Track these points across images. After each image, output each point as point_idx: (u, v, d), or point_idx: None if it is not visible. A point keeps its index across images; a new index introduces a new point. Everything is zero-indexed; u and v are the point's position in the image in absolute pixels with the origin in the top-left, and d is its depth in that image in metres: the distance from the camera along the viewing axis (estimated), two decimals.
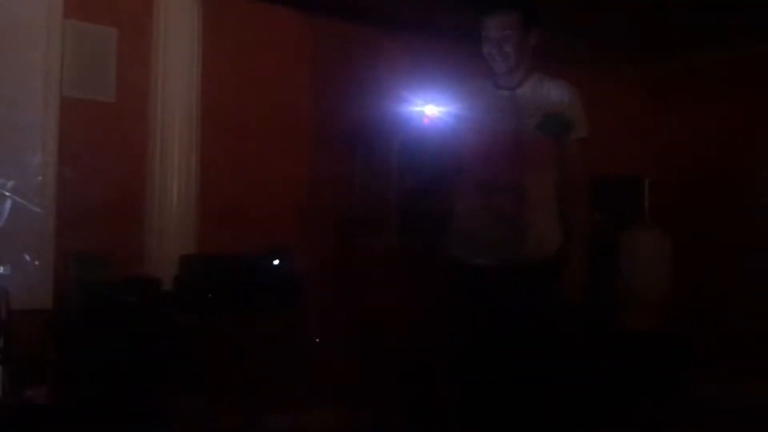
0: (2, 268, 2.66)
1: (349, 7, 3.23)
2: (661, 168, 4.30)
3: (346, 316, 3.05)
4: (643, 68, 4.35)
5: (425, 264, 2.45)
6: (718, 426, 3.06)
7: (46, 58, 2.76)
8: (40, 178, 2.74)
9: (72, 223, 2.74)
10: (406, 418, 2.76)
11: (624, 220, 3.92)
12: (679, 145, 4.26)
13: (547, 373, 2.20)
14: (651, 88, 4.42)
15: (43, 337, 2.52)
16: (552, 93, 2.35)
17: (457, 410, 2.27)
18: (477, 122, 2.27)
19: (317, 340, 2.82)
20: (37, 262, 2.73)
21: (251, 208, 3.10)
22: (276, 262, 2.63)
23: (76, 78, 2.82)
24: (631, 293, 3.57)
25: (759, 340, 3.73)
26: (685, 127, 4.24)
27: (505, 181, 2.21)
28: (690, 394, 3.47)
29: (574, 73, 4.11)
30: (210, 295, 2.56)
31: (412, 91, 2.84)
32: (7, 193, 2.70)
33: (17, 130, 2.75)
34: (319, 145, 3.28)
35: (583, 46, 4.01)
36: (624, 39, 3.89)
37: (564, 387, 2.36)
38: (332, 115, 3.24)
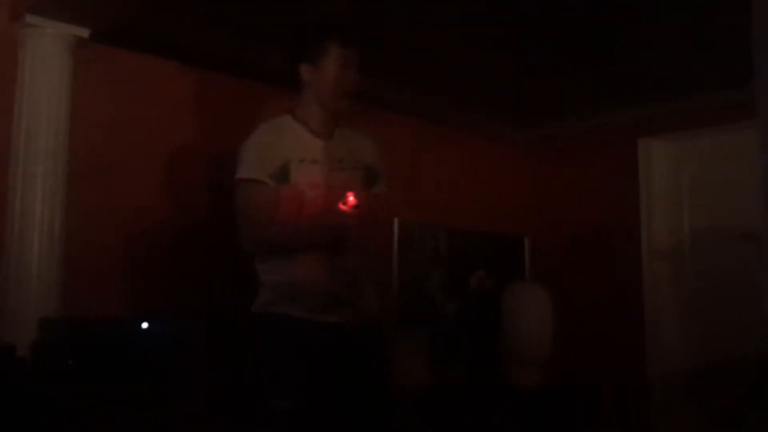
0: None
1: (229, 61, 3.19)
2: (539, 227, 4.44)
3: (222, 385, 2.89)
4: (526, 133, 4.53)
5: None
6: None
7: None
8: None
9: None
10: None
11: (506, 276, 3.99)
12: (557, 205, 4.42)
13: None
14: (532, 152, 4.60)
15: None
16: (362, 143, 2.39)
17: None
18: (312, 177, 2.23)
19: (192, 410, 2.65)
20: None
21: (123, 266, 2.93)
22: (146, 326, 2.47)
23: None
24: (514, 349, 3.60)
25: (635, 393, 3.86)
26: (564, 188, 4.42)
27: (339, 223, 2.16)
28: None
29: (459, 136, 4.29)
30: (71, 362, 2.37)
31: None
32: None
33: None
34: (201, 199, 3.15)
35: (469, 111, 4.14)
36: (507, 104, 4.05)
37: None
38: (215, 167, 3.14)
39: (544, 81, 3.66)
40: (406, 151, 3.87)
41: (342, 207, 2.09)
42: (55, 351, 2.43)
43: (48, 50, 2.76)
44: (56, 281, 2.67)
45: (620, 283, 4.05)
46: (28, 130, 2.71)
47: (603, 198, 4.22)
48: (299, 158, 2.23)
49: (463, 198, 4.19)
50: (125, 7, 2.73)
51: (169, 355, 2.49)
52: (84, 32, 2.81)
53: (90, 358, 2.40)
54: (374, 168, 2.38)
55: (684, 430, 3.44)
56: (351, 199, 2.08)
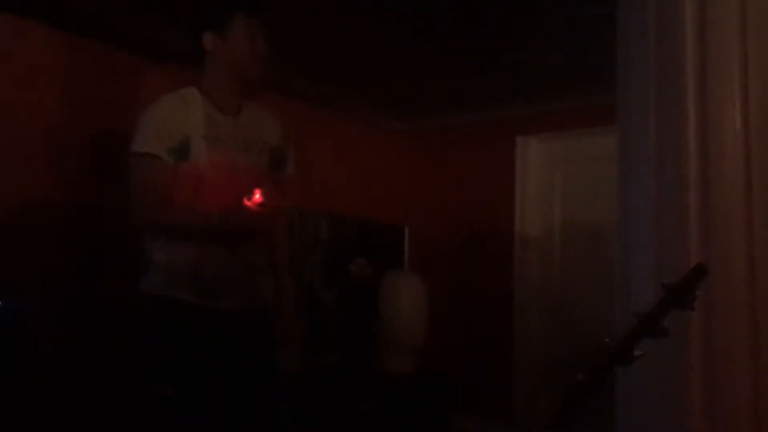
0: None
1: (103, 28, 3.02)
2: (419, 218, 4.54)
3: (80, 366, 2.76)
4: (410, 124, 4.59)
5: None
6: None
7: None
8: None
9: None
10: None
11: (385, 265, 4.05)
12: (436, 197, 4.53)
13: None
14: (415, 143, 4.68)
15: None
16: (270, 123, 2.28)
17: None
18: (214, 156, 2.09)
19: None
20: None
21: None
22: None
23: None
24: (388, 337, 3.67)
25: (501, 380, 4.03)
26: (444, 180, 4.53)
27: (242, 221, 2.05)
28: None
29: (344, 123, 4.29)
30: None
31: None
32: None
33: None
34: (62, 169, 2.98)
35: (353, 99, 4.14)
36: (394, 95, 4.09)
37: None
38: (81, 137, 2.97)
39: (430, 74, 3.73)
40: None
41: (247, 203, 1.96)
42: None
43: None
44: None
45: (493, 274, 4.20)
46: None
47: (481, 191, 4.36)
48: (201, 134, 2.08)
49: (346, 185, 4.21)
50: None
51: (26, 332, 2.35)
52: None
53: None
54: (282, 150, 2.28)
55: (538, 416, 3.61)
56: (257, 196, 1.95)
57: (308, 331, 3.69)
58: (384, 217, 4.39)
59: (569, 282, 4.06)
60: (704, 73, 1.68)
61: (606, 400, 1.44)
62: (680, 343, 1.59)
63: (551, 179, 4.26)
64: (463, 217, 4.39)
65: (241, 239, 2.11)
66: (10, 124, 2.82)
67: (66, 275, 2.84)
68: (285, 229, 2.33)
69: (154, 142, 2.04)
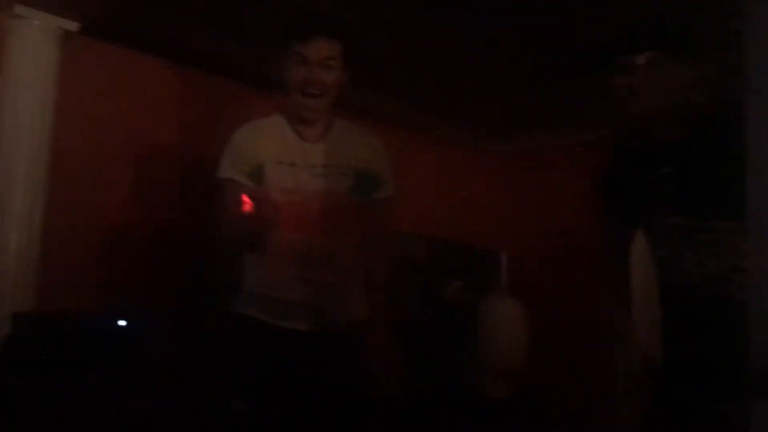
0: None
1: (218, 62, 3.18)
2: (517, 241, 4.48)
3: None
4: (506, 145, 4.57)
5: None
6: None
7: None
8: None
9: None
10: None
11: (481, 289, 4.03)
12: (534, 218, 4.46)
13: None
14: (511, 164, 4.64)
15: None
16: (360, 145, 2.20)
17: None
18: (286, 182, 2.08)
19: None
20: None
21: (100, 262, 2.91)
22: (121, 322, 2.46)
23: None
24: (487, 361, 3.64)
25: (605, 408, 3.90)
26: (541, 201, 4.46)
27: (319, 248, 2.06)
28: None
29: (438, 145, 4.32)
30: (44, 357, 2.36)
31: None
32: None
33: None
34: (178, 199, 3.14)
35: (447, 122, 4.17)
36: (487, 116, 4.09)
37: None
38: (196, 166, 3.13)
39: (524, 93, 3.70)
40: None
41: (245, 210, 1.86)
42: (28, 345, 2.42)
43: (35, 41, 2.74)
44: (33, 277, 2.65)
45: (595, 297, 4.09)
46: (10, 122, 2.70)
47: (580, 211, 4.26)
48: (276, 160, 2.09)
49: (442, 208, 4.22)
50: (114, 1, 2.73)
51: (140, 350, 2.49)
52: (72, 25, 2.81)
53: (63, 352, 2.39)
54: (372, 172, 2.18)
55: None
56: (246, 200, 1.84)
57: (404, 355, 3.71)
58: (479, 240, 4.38)
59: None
60: None
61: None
62: None
63: None
64: (563, 239, 4.31)
65: (316, 259, 2.07)
66: (140, 155, 3.02)
67: (179, 295, 2.99)
68: (379, 251, 2.20)
69: (232, 167, 2.09)
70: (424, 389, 3.65)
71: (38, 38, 2.76)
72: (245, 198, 1.80)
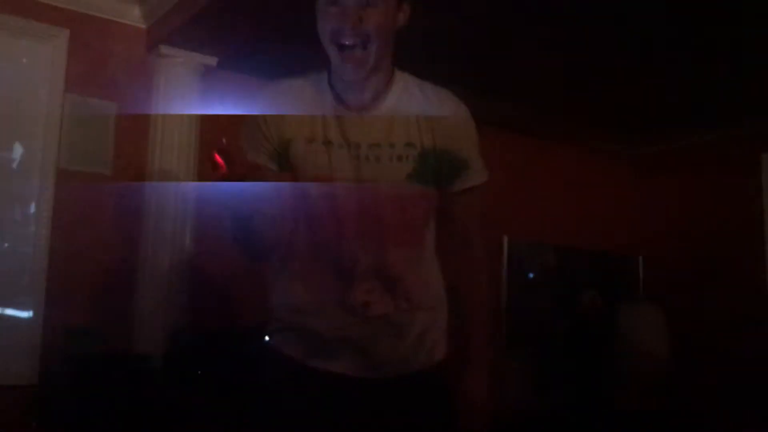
0: None
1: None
2: (653, 245, 4.32)
3: None
4: (636, 147, 4.42)
5: None
6: None
7: (45, 131, 2.80)
8: (30, 249, 2.72)
9: (61, 295, 2.71)
10: None
11: (616, 296, 3.91)
12: (672, 222, 4.29)
13: None
14: (641, 168, 4.49)
15: (27, 413, 2.45)
16: (431, 114, 1.51)
17: None
18: (318, 166, 1.46)
19: None
20: (22, 336, 2.68)
21: (245, 280, 3.07)
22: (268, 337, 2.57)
23: (73, 150, 2.84)
24: (627, 372, 3.52)
25: (755, 415, 3.67)
26: (680, 204, 4.28)
27: (367, 262, 1.45)
28: None
29: (567, 151, 4.24)
30: (199, 372, 2.51)
31: None
32: None
33: (12, 200, 2.76)
34: None
35: (578, 125, 4.08)
36: (618, 118, 3.98)
37: None
38: None
39: (659, 94, 3.57)
40: (511, 168, 3.86)
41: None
42: (185, 361, 2.58)
43: (179, 77, 2.98)
44: (186, 296, 2.84)
45: (742, 301, 3.87)
46: (162, 149, 2.93)
47: (719, 214, 4.05)
48: (307, 137, 1.47)
49: (572, 215, 4.14)
50: (250, 36, 2.89)
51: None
52: (212, 60, 3.01)
53: (218, 367, 2.51)
54: (448, 153, 1.51)
55: None
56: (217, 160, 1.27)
57: (540, 366, 3.65)
58: (614, 245, 4.25)
59: None
60: None
61: None
62: None
63: None
64: (703, 243, 4.11)
65: (363, 275, 1.46)
66: None
67: None
68: (467, 262, 1.58)
69: (251, 146, 1.50)
70: (561, 404, 3.57)
71: (182, 74, 2.99)
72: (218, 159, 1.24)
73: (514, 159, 3.92)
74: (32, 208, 2.76)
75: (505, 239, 3.90)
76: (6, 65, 2.79)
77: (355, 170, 1.45)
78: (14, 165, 2.79)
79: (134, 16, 3.02)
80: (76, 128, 2.85)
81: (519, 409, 3.39)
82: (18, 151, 2.79)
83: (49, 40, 2.84)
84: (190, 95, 2.97)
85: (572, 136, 4.17)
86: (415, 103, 1.52)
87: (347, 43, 1.41)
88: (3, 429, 2.36)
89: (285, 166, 1.49)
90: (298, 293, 1.49)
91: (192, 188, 2.91)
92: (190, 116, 2.95)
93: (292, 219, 1.44)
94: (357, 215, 1.45)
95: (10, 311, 2.71)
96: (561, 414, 3.46)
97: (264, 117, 1.51)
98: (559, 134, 4.11)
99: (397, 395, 1.48)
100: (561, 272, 3.96)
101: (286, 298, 1.52)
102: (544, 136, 4.05)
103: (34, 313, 2.70)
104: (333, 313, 1.46)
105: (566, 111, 3.89)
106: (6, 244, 2.73)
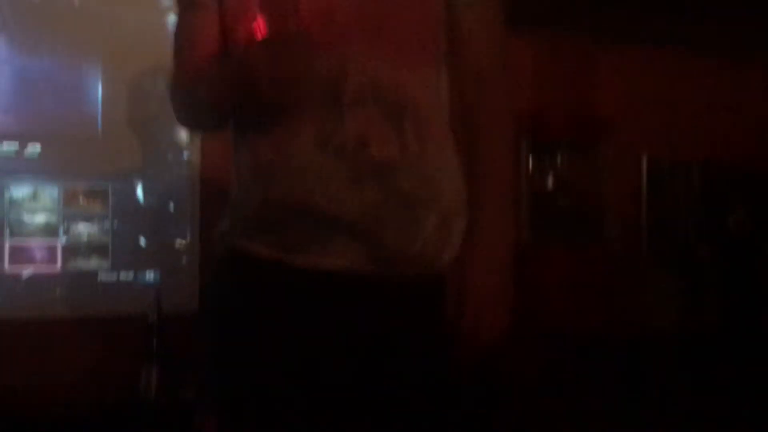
0: (153, 272, 2.85)
1: None
2: None
3: None
4: None
5: None
6: None
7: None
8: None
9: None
10: None
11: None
12: None
13: None
14: None
15: (192, 339, 2.66)
16: None
17: None
18: None
19: None
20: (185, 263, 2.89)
21: None
22: None
23: None
24: None
25: None
26: None
27: (360, 78, 1.04)
28: None
29: (710, 61, 3.93)
30: None
31: None
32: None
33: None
34: None
35: (722, 34, 3.78)
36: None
37: None
38: None
39: None
40: (654, 84, 3.67)
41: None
42: None
43: None
44: None
45: None
46: None
47: None
48: None
49: (720, 130, 3.88)
50: None
51: None
52: None
53: None
54: None
55: None
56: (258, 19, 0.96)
57: (684, 291, 3.55)
58: (766, 165, 3.97)
59: None
60: None
61: None
62: None
63: None
64: None
65: (375, 124, 1.05)
66: None
67: None
68: (497, 124, 1.17)
69: None
70: (707, 331, 3.48)
71: None
72: None
73: (656, 75, 3.70)
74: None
75: (644, 158, 3.75)
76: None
77: None
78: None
79: None
80: None
81: (662, 329, 3.34)
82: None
83: None
84: None
85: (718, 46, 3.88)
86: None
87: None
88: (173, 351, 2.58)
89: None
90: (263, 147, 1.07)
91: None
92: None
93: (249, 15, 0.99)
94: (344, 7, 0.98)
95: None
96: (708, 337, 3.39)
97: None
98: (702, 45, 3.83)
99: (405, 293, 1.08)
100: (707, 192, 3.77)
101: (247, 163, 1.11)
102: (688, 49, 3.78)
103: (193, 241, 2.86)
104: (315, 164, 1.03)
105: (710, 20, 3.61)
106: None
